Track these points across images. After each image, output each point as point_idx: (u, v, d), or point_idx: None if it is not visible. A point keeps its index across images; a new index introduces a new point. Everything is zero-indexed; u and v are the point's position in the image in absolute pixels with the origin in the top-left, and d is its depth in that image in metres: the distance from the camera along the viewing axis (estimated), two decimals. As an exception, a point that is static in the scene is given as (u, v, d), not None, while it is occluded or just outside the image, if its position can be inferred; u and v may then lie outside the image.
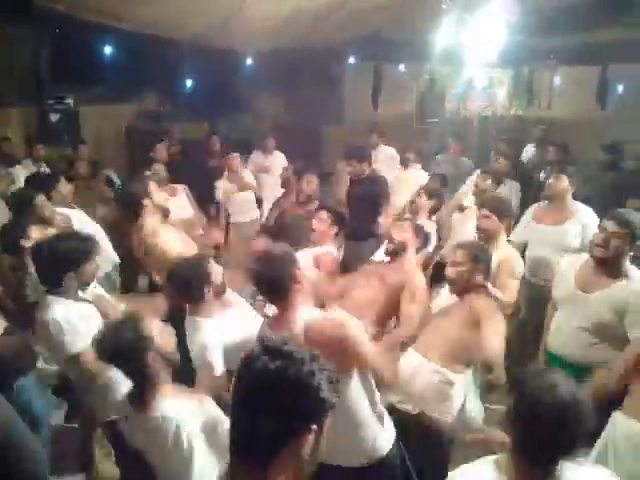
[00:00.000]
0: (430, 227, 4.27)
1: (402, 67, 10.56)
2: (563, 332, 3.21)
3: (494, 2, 5.42)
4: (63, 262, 2.60)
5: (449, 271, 3.07)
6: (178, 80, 9.58)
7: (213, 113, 9.60)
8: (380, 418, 2.40)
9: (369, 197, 4.68)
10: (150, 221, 3.49)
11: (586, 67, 9.08)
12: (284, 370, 1.22)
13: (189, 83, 9.73)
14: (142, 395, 2.03)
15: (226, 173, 6.24)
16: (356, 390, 2.28)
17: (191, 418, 2.03)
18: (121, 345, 1.94)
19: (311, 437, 1.23)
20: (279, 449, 1.22)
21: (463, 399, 2.82)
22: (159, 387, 2.04)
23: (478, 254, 3.06)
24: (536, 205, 4.44)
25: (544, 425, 1.59)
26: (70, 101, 8.46)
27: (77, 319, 2.60)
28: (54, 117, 8.28)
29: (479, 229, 3.77)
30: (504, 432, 1.77)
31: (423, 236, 3.59)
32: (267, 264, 2.29)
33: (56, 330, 2.57)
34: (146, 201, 3.51)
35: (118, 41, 8.25)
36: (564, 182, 4.14)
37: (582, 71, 9.23)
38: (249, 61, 9.04)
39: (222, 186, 6.21)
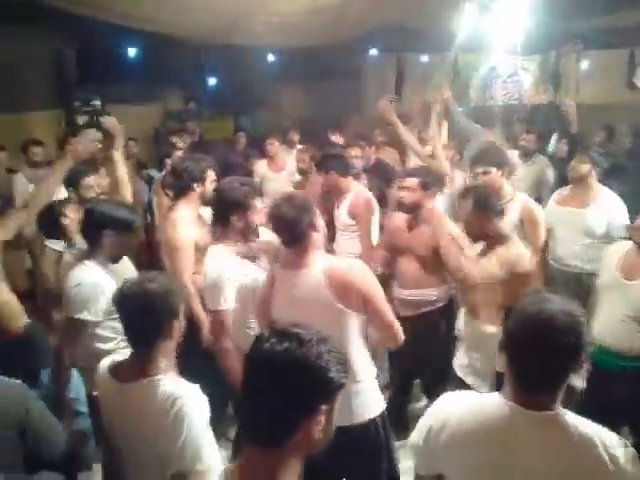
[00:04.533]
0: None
1: (425, 57, 10.47)
2: (608, 322, 3.09)
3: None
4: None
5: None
6: (202, 78, 9.70)
7: (237, 110, 9.67)
8: (375, 380, 2.47)
9: None
10: None
11: (613, 51, 8.88)
12: (291, 351, 1.23)
13: (213, 81, 9.84)
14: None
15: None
16: (357, 339, 2.38)
17: None
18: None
19: (322, 417, 1.24)
20: (290, 431, 1.23)
21: None
22: None
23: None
24: (560, 189, 4.38)
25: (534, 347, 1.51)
26: (97, 103, 8.59)
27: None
28: (82, 119, 8.42)
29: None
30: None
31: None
32: (289, 208, 2.36)
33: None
34: None
35: (141, 42, 8.38)
36: (585, 166, 4.06)
37: (609, 55, 9.03)
38: (271, 57, 9.08)
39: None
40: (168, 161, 5.15)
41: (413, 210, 3.48)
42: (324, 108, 10.04)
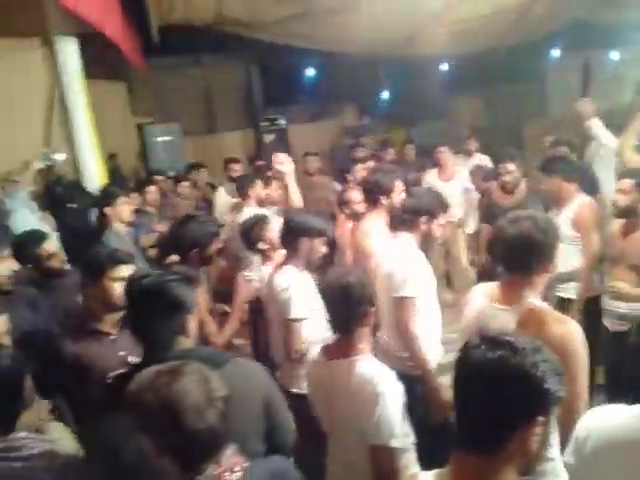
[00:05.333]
0: None
1: (615, 54, 9.68)
2: None
3: None
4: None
5: None
6: (376, 92, 9.94)
7: (411, 122, 9.74)
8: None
9: None
10: None
11: None
12: (505, 360, 1.20)
13: (387, 94, 10.04)
14: None
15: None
16: None
17: None
18: None
19: (537, 429, 1.22)
20: (504, 440, 1.21)
21: None
22: None
23: None
24: None
25: None
26: (282, 122, 9.33)
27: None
28: (268, 137, 9.22)
29: None
30: None
31: None
32: (535, 230, 1.98)
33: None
34: None
35: (320, 61, 8.86)
36: None
37: None
38: (446, 65, 9.02)
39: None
40: (349, 177, 5.34)
41: (628, 214, 3.20)
42: (504, 114, 9.71)
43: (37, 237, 2.93)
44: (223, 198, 5.81)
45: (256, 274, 4.00)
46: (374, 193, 3.52)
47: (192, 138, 8.83)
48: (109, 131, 6.22)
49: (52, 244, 2.89)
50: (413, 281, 2.83)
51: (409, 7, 5.98)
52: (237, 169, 6.19)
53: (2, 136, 4.77)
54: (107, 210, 3.92)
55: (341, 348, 2.11)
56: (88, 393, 2.28)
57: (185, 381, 1.31)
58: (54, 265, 2.85)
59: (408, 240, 2.97)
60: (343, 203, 4.32)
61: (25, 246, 2.86)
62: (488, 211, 4.93)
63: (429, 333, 2.88)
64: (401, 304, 2.84)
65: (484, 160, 6.70)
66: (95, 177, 5.38)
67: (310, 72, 9.35)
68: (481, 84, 9.57)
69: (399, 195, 3.46)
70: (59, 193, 4.97)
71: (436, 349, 2.93)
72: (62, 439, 2.00)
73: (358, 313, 2.09)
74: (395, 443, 1.93)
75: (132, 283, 1.84)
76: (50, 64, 5.32)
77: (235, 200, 5.39)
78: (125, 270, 2.43)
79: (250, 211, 4.48)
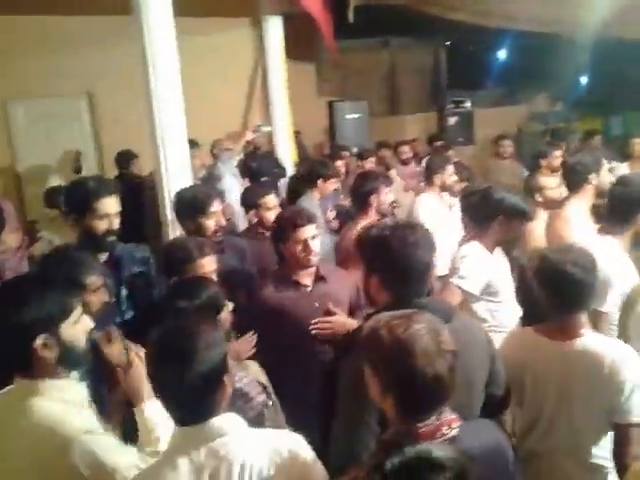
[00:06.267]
0: None
1: None
2: None
3: None
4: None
5: None
6: (572, 77, 9.25)
7: (609, 110, 8.94)
8: None
9: None
10: None
11: None
12: None
13: (584, 80, 9.30)
14: None
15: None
16: None
17: None
18: None
19: None
20: None
21: None
22: None
23: None
24: None
25: None
26: (467, 105, 9.16)
27: None
28: (452, 120, 9.11)
29: None
30: None
31: None
32: None
33: None
34: None
35: (513, 43, 8.44)
36: None
37: None
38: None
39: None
40: (542, 162, 5.06)
41: None
42: None
43: (260, 190, 3.42)
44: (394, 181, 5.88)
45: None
46: (579, 173, 3.30)
47: (375, 118, 8.97)
48: (297, 108, 6.54)
49: (273, 199, 3.27)
50: (614, 293, 2.57)
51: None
52: (406, 151, 6.23)
53: (212, 107, 5.25)
54: (319, 182, 4.01)
55: (568, 329, 2.03)
56: (280, 337, 2.46)
57: (419, 327, 1.36)
58: (268, 217, 3.16)
59: (613, 242, 2.70)
60: (535, 189, 4.12)
61: (249, 196, 3.36)
62: None
63: None
64: (593, 318, 2.53)
65: None
66: (287, 151, 5.74)
67: (501, 55, 8.96)
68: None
69: (606, 175, 3.23)
70: (254, 165, 5.35)
71: None
72: (258, 375, 2.17)
73: (590, 291, 2.01)
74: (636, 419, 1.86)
75: (387, 235, 1.78)
76: (256, 43, 5.76)
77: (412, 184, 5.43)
78: (309, 230, 2.51)
79: (430, 197, 4.39)
